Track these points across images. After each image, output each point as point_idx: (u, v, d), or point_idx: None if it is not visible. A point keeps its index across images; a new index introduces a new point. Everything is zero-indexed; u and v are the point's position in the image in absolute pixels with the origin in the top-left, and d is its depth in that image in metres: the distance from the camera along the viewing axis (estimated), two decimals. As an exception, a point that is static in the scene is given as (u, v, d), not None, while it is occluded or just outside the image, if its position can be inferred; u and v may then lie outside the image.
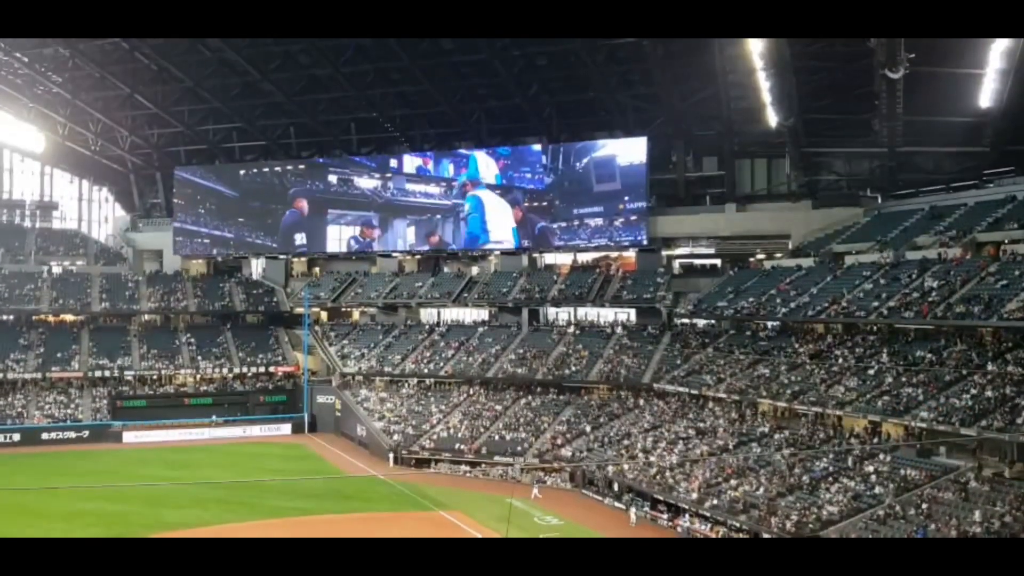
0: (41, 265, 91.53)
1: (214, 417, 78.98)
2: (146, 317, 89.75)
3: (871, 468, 46.49)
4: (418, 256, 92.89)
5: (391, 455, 67.27)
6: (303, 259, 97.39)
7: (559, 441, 64.87)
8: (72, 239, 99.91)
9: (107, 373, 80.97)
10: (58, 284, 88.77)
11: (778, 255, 74.47)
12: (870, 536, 40.45)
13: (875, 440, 49.69)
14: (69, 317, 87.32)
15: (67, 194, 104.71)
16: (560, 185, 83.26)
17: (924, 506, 41.36)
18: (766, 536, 43.50)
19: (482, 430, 68.84)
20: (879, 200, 72.31)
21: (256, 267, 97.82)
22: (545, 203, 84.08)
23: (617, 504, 53.55)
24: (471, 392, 75.44)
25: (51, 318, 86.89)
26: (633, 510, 51.71)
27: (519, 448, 65.25)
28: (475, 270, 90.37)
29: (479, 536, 46.42)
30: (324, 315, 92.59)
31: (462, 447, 66.78)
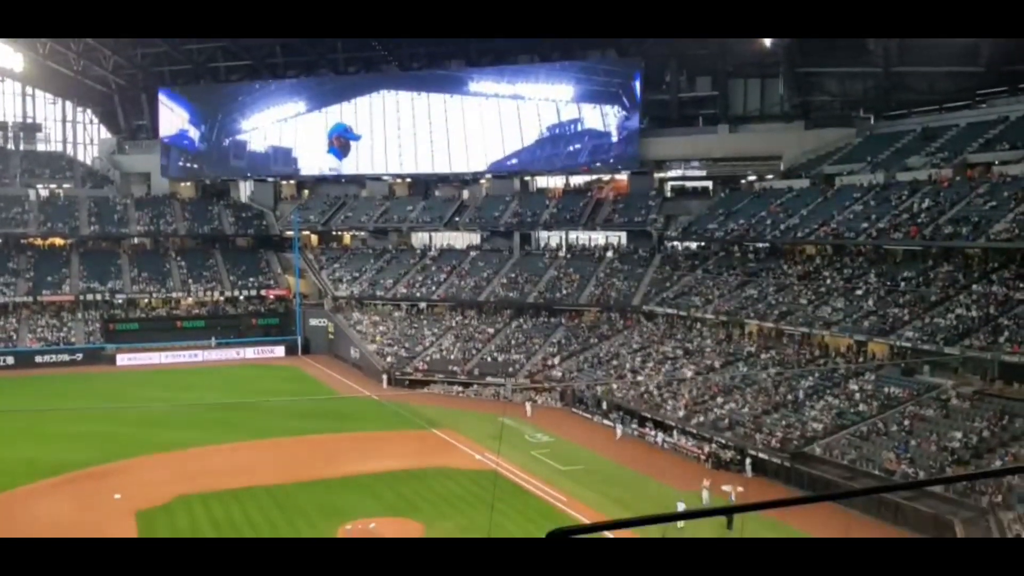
0: (27, 188, 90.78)
1: (213, 340, 79.42)
2: (136, 240, 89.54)
3: (855, 386, 47.31)
4: (408, 180, 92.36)
5: (385, 376, 68.04)
6: (291, 182, 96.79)
7: (550, 362, 65.66)
8: (57, 161, 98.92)
9: (98, 296, 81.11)
10: (45, 207, 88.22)
11: (769, 177, 74.34)
12: (853, 452, 41.41)
13: (860, 359, 50.43)
14: (58, 241, 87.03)
15: (50, 116, 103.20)
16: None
17: (906, 423, 42.26)
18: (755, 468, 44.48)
19: (474, 352, 69.56)
20: (872, 121, 71.94)
21: (245, 190, 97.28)
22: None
23: (606, 421, 54.53)
24: (463, 315, 75.97)
25: (40, 241, 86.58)
26: (619, 426, 52.69)
27: (511, 369, 66.06)
28: (466, 194, 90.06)
29: (475, 455, 47.32)
30: (314, 239, 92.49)
31: (455, 368, 67.57)
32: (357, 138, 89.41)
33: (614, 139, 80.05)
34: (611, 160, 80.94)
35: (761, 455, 44.16)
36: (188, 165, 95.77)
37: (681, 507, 36.20)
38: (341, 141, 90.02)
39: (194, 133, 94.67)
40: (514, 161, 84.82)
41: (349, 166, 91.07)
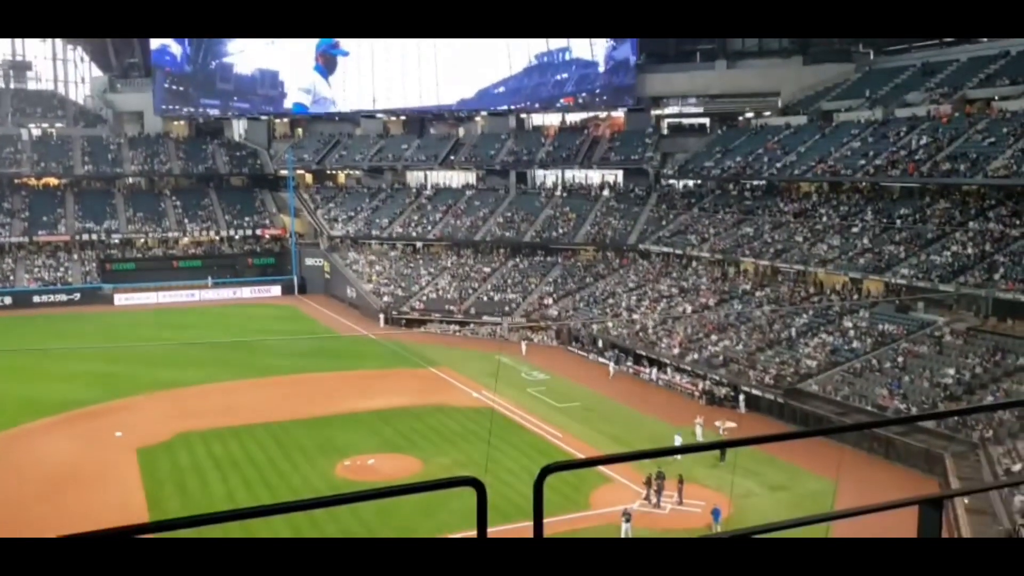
0: (19, 127, 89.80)
1: (210, 279, 79.50)
2: (130, 180, 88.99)
3: (850, 323, 47.64)
4: (403, 117, 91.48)
5: (381, 316, 68.33)
6: (285, 120, 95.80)
7: (546, 301, 65.92)
8: (49, 100, 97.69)
9: (94, 236, 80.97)
10: (38, 147, 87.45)
11: (767, 113, 73.76)
12: (846, 389, 41.88)
13: (855, 297, 50.69)
14: (52, 180, 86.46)
15: (40, 53, 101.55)
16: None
17: (900, 359, 42.67)
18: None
19: (471, 291, 69.77)
20: (871, 56, 71.13)
21: (238, 128, 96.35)
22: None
23: (601, 359, 54.97)
24: (460, 255, 76.00)
25: (34, 181, 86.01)
26: (612, 364, 53.10)
27: (507, 308, 66.33)
28: (461, 132, 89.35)
29: (471, 392, 47.79)
30: (309, 178, 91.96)
31: (451, 308, 67.82)
32: (345, 54, 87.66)
33: (601, 69, 79.23)
34: (597, 91, 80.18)
35: (755, 392, 44.65)
36: (175, 88, 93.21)
37: (678, 440, 36.82)
38: (327, 58, 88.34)
39: (176, 49, 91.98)
40: (501, 89, 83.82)
41: (337, 94, 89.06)
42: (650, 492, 32.36)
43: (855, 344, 45.58)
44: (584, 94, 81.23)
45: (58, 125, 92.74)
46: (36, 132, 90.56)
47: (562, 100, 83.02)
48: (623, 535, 27.88)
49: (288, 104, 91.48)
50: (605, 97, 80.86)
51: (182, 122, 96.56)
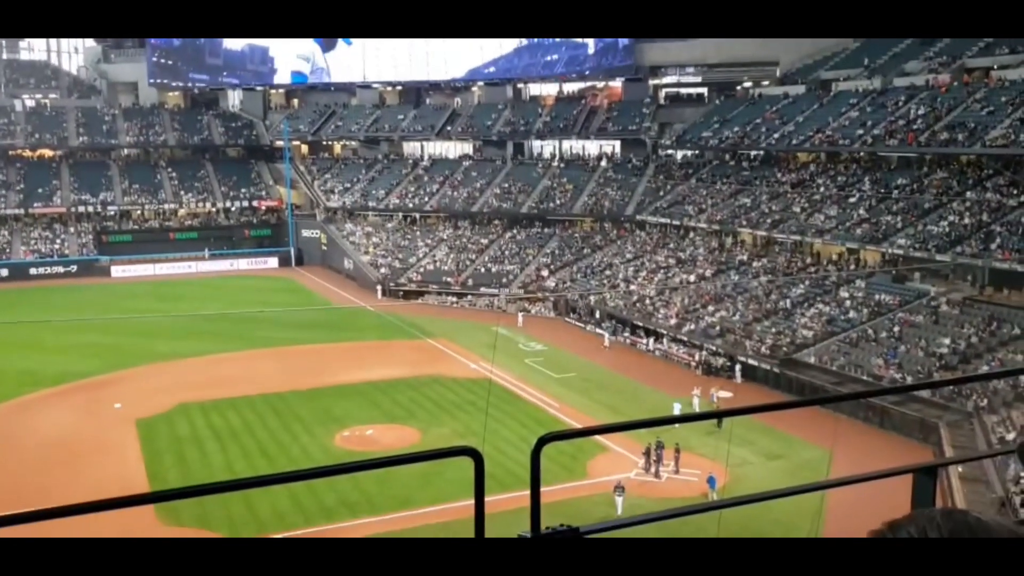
0: (12, 98, 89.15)
1: (207, 251, 79.39)
2: (126, 151, 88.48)
3: (846, 294, 47.74)
4: (399, 88, 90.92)
5: (379, 287, 68.33)
6: (281, 91, 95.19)
7: (543, 272, 65.94)
8: (42, 71, 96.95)
9: (90, 208, 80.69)
10: (32, 118, 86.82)
11: (765, 83, 73.38)
12: (842, 358, 42.05)
13: (852, 267, 50.76)
14: (47, 152, 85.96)
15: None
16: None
17: (896, 329, 42.81)
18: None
19: (468, 263, 69.75)
20: (870, 25, 70.65)
21: (233, 99, 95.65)
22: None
23: (598, 330, 55.09)
24: (457, 226, 75.89)
25: (28, 153, 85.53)
26: (607, 334, 53.20)
27: (504, 279, 66.36)
28: (458, 102, 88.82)
29: (469, 364, 47.93)
30: (305, 149, 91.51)
31: (448, 279, 67.84)
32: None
33: (591, 51, 79.18)
34: (587, 72, 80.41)
35: (751, 361, 44.83)
36: (164, 62, 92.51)
37: (677, 408, 37.09)
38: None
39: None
40: (491, 69, 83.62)
41: (332, 64, 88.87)
42: (649, 462, 32.59)
43: (851, 314, 45.71)
44: (574, 75, 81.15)
45: (52, 96, 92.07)
46: (30, 103, 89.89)
47: (549, 72, 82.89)
48: (618, 509, 28.07)
49: (279, 79, 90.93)
50: (599, 75, 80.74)
51: (177, 93, 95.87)
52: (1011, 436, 31.85)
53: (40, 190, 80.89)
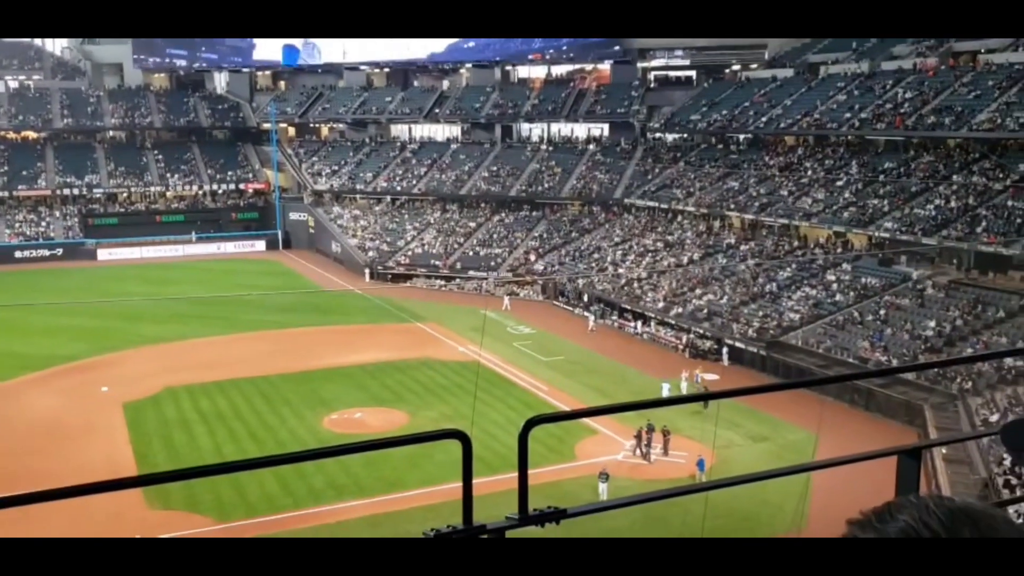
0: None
1: (194, 234, 79.02)
2: (111, 133, 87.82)
3: (833, 277, 47.96)
4: (387, 70, 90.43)
5: (367, 271, 68.21)
6: (267, 72, 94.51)
7: (531, 256, 65.94)
8: (25, 51, 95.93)
9: (75, 191, 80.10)
10: (16, 99, 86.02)
11: (754, 66, 73.34)
12: (828, 341, 42.28)
13: (839, 250, 50.97)
14: (31, 134, 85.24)
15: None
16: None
17: (882, 312, 43.06)
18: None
19: (456, 246, 69.66)
20: (858, 8, 70.66)
21: (220, 81, 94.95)
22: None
23: (586, 313, 55.17)
24: (445, 210, 75.75)
25: (12, 135, 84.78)
26: (591, 317, 53.25)
27: (493, 263, 66.34)
28: (445, 84, 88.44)
29: (457, 347, 47.97)
30: (292, 131, 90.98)
31: (437, 263, 67.78)
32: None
33: (568, 32, 79.09)
34: (564, 47, 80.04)
35: (738, 344, 45.03)
36: (144, 39, 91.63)
37: (666, 388, 37.32)
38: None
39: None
40: (471, 44, 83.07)
41: (316, 44, 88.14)
42: (640, 445, 32.65)
43: (838, 297, 45.94)
44: (551, 51, 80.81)
45: (36, 77, 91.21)
46: (13, 84, 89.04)
47: (530, 56, 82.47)
48: (600, 495, 28.11)
49: (259, 56, 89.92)
50: (572, 55, 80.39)
51: (162, 75, 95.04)
52: (995, 418, 32.15)
53: (24, 172, 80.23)
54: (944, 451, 29.55)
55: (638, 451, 32.73)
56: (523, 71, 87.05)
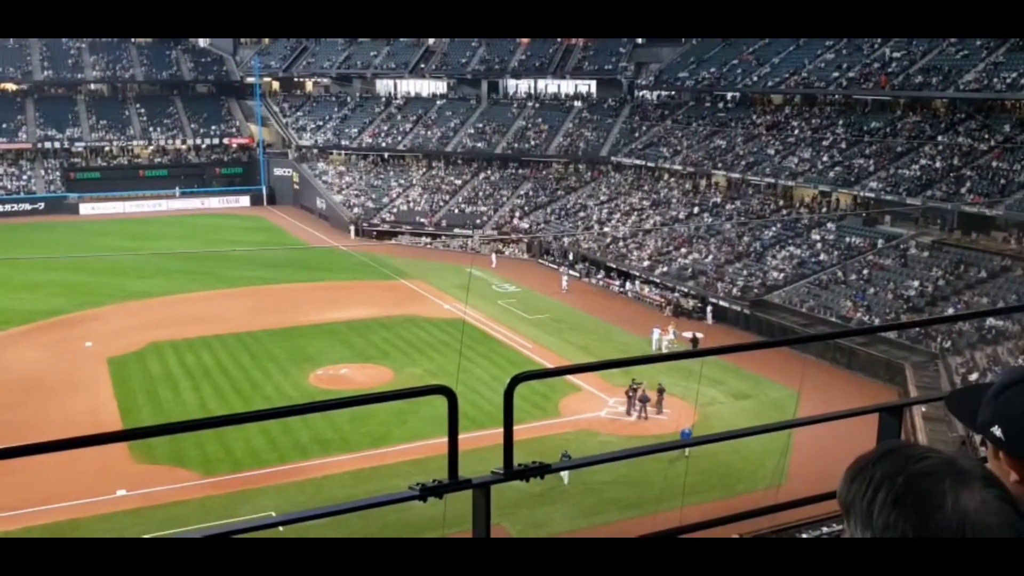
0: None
1: (177, 189, 78.35)
2: (92, 86, 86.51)
3: (817, 236, 48.14)
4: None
5: (352, 227, 67.94)
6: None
7: (517, 213, 65.79)
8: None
9: (57, 144, 79.08)
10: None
11: (742, 24, 72.75)
12: (811, 300, 42.56)
13: (825, 210, 51.11)
14: (10, 86, 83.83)
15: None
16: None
17: (865, 271, 43.33)
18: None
19: (442, 203, 69.40)
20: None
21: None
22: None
23: (571, 272, 55.23)
24: (430, 166, 75.30)
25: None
26: (565, 277, 52.92)
27: (478, 221, 66.17)
28: (431, 39, 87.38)
29: (443, 304, 48.02)
30: (276, 85, 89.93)
31: (422, 220, 67.54)
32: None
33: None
34: None
35: (722, 303, 45.26)
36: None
37: (656, 333, 37.62)
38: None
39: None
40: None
41: None
42: (631, 405, 32.58)
43: (822, 257, 46.16)
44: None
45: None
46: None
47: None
48: (563, 480, 26.72)
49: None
50: None
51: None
52: (974, 376, 32.56)
53: (4, 125, 79.09)
54: (924, 409, 29.96)
55: (632, 412, 32.42)
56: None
